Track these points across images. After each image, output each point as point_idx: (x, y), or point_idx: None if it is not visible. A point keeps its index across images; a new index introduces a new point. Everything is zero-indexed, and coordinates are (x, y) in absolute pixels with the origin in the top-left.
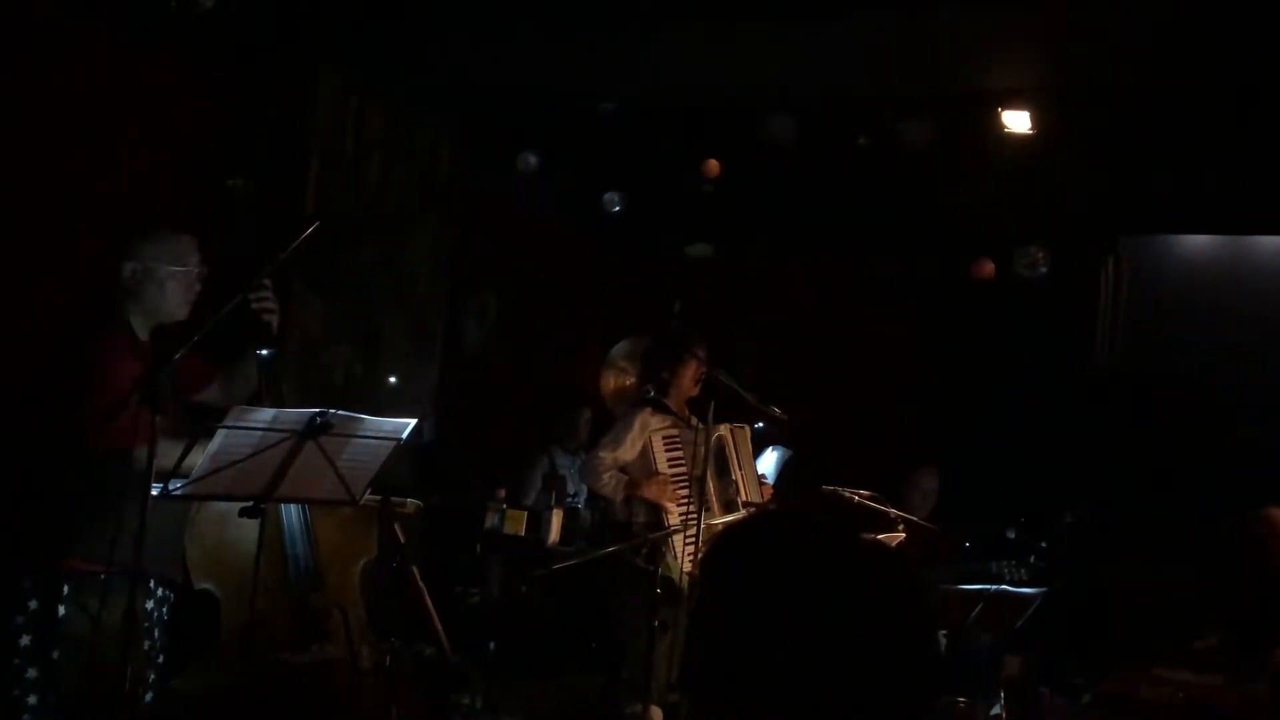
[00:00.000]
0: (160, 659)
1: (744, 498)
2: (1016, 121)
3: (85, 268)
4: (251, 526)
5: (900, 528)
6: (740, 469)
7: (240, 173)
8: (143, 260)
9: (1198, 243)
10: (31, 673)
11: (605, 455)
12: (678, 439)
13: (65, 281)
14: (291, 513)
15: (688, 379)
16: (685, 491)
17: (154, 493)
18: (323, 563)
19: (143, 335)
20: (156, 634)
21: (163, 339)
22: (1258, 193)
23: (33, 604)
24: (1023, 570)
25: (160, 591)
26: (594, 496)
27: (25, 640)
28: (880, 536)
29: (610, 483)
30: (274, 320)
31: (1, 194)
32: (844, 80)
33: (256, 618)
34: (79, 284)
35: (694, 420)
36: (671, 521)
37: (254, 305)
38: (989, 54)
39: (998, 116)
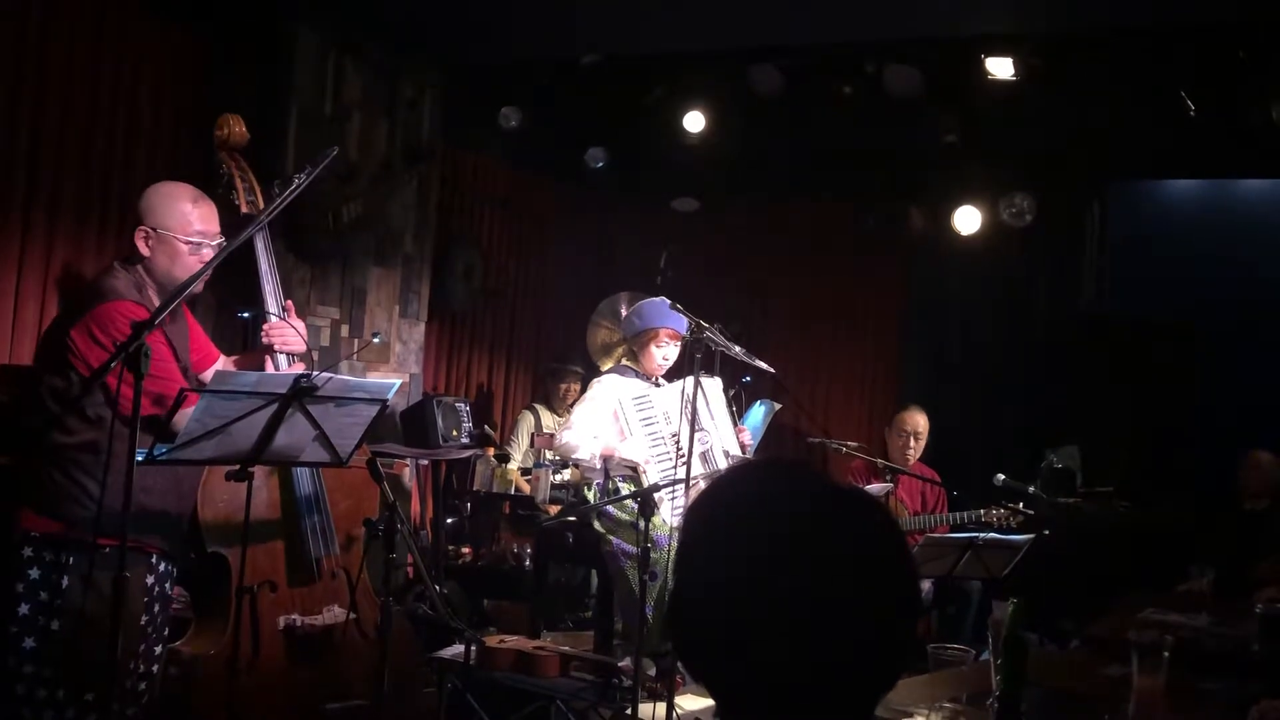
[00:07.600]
0: (166, 631)
1: (721, 447)
2: (1000, 68)
3: (64, 229)
4: (265, 491)
5: (889, 478)
6: (713, 418)
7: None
8: (154, 225)
9: (1181, 187)
10: (28, 643)
11: (578, 423)
12: (648, 398)
13: (44, 250)
14: (304, 477)
15: (651, 351)
16: (661, 449)
17: (139, 459)
18: (334, 527)
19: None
20: (156, 609)
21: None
22: (1240, 137)
23: (33, 573)
24: (1011, 517)
25: (163, 566)
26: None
27: (24, 609)
28: (869, 487)
29: (586, 449)
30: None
31: None
32: (828, 28)
33: (266, 580)
34: (57, 250)
35: (660, 380)
36: (651, 480)
37: (264, 340)
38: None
39: (981, 63)
